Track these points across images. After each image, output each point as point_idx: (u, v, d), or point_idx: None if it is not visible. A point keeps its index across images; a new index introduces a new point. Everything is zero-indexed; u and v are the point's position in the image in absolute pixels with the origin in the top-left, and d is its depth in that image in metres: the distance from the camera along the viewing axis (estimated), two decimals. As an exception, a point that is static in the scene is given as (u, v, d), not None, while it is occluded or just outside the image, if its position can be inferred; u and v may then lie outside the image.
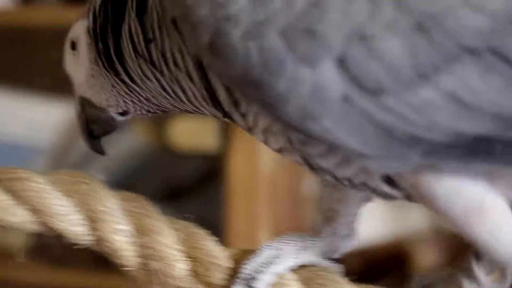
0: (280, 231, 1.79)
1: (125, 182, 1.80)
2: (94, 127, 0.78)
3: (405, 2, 0.58)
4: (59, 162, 2.09)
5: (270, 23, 0.59)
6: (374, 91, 0.57)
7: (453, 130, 0.58)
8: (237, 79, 0.61)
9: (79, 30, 0.75)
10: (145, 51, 0.69)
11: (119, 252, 0.71)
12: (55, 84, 2.01)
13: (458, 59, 0.57)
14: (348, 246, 0.74)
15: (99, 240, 0.71)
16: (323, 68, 0.58)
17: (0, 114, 2.10)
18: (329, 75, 0.58)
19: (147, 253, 0.70)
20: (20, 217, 0.71)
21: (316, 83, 0.58)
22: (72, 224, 0.71)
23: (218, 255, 0.70)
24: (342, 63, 0.58)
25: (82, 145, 2.29)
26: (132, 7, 0.70)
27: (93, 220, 0.71)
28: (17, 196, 0.71)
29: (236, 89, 0.64)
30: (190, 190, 1.95)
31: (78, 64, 0.75)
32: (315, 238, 0.73)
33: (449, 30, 0.57)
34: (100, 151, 0.79)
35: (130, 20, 0.70)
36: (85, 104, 0.77)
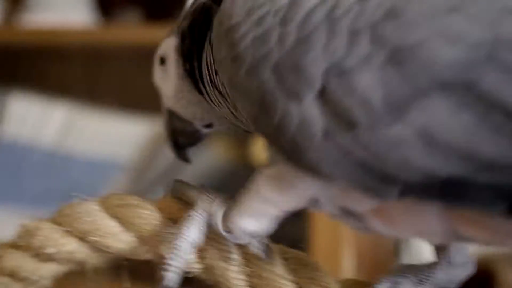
0: (362, 250, 1.76)
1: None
2: (180, 138, 0.79)
3: (381, 35, 0.56)
4: (139, 179, 2.09)
5: (266, 60, 0.60)
6: (350, 126, 0.56)
7: (425, 169, 0.55)
8: (245, 112, 0.63)
9: (169, 46, 0.77)
10: (214, 79, 0.71)
11: (229, 281, 0.69)
12: (135, 101, 2.02)
13: (430, 94, 0.54)
14: (465, 275, 0.71)
15: (208, 268, 0.69)
16: (307, 102, 0.58)
17: (82, 131, 2.12)
18: (312, 110, 0.57)
19: (257, 283, 0.68)
20: (127, 244, 0.70)
21: (302, 118, 0.58)
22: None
23: (332, 286, 0.67)
24: (322, 97, 0.57)
25: (162, 161, 2.29)
26: (209, 37, 0.71)
27: (201, 248, 0.69)
28: (125, 222, 0.70)
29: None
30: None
31: (167, 79, 0.77)
32: (432, 269, 0.69)
33: (422, 63, 0.55)
34: (186, 160, 0.81)
35: (207, 49, 0.71)
36: (172, 116, 0.79)
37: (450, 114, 0.54)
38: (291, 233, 1.73)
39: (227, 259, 0.69)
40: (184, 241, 0.67)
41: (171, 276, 0.67)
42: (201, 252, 0.69)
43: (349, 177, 0.57)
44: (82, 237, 0.70)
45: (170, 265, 0.67)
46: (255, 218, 0.66)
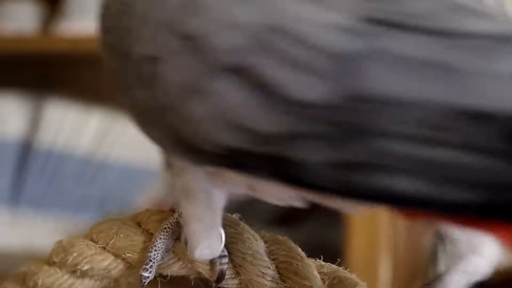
0: (399, 260, 1.74)
1: (238, 206, 1.79)
2: None
3: (177, 25, 0.62)
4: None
5: (114, 52, 0.67)
6: (162, 109, 0.63)
7: (221, 142, 0.61)
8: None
9: None
10: None
11: (265, 297, 0.68)
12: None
13: (218, 77, 0.60)
14: (489, 262, 0.69)
15: (244, 284, 0.69)
16: (136, 88, 0.64)
17: (117, 138, 2.13)
18: (141, 95, 0.64)
19: (293, 298, 0.68)
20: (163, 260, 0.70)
21: (140, 102, 0.65)
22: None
23: (370, 303, 0.66)
24: (143, 84, 0.64)
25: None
26: None
27: (238, 264, 0.69)
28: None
29: None
30: (307, 214, 1.93)
31: None
32: (451, 272, 0.68)
33: (209, 51, 0.60)
34: None
35: None
36: None
37: (236, 95, 0.59)
38: (328, 244, 1.72)
39: (262, 275, 0.69)
40: (155, 252, 0.70)
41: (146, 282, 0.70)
42: (236, 267, 0.69)
43: (173, 151, 0.65)
44: (117, 254, 0.70)
45: (143, 276, 0.69)
46: (196, 241, 0.68)
